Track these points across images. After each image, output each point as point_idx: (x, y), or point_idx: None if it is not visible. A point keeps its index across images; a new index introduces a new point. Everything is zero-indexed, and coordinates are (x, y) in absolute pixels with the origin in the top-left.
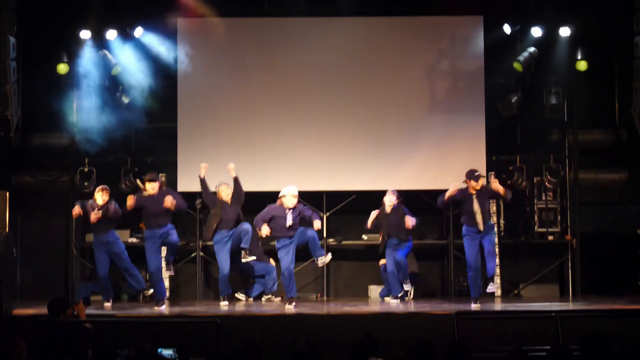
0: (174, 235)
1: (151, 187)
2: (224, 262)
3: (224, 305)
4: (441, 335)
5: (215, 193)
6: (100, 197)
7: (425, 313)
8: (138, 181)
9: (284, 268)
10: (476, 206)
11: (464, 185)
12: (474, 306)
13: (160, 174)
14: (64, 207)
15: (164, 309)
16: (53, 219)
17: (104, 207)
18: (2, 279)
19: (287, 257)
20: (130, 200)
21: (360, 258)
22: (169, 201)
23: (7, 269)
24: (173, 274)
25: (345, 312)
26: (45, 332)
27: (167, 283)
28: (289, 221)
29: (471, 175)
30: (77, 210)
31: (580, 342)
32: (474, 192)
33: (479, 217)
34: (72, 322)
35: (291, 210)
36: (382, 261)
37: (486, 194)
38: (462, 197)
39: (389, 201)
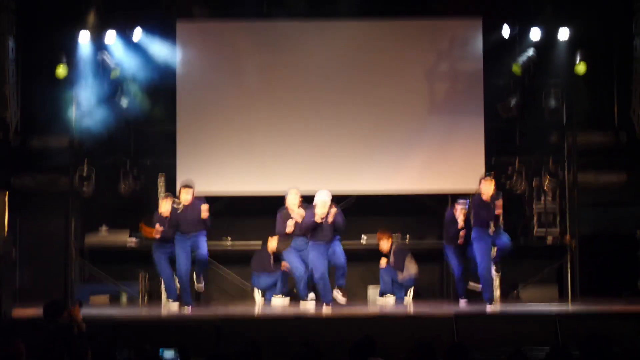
0: (203, 249)
1: (185, 194)
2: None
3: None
4: (440, 337)
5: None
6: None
7: (425, 315)
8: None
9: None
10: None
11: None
12: (489, 308)
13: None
14: (63, 209)
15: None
16: (52, 221)
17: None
18: (2, 280)
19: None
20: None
21: (359, 260)
22: (205, 210)
23: (7, 270)
24: (202, 289)
25: (344, 314)
26: (44, 334)
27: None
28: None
29: (482, 177)
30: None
31: (580, 344)
32: (488, 199)
33: (491, 223)
34: (70, 324)
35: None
36: (382, 262)
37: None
38: (478, 204)
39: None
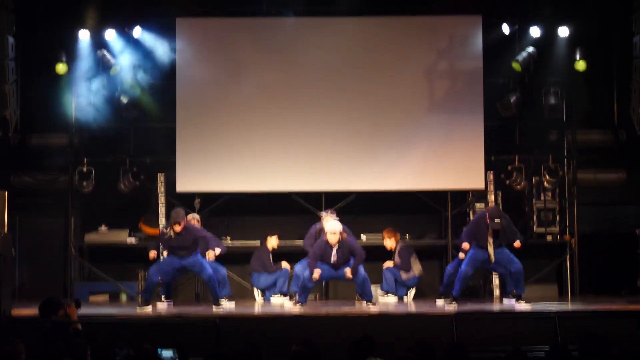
0: (206, 270)
1: (177, 227)
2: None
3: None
4: (440, 335)
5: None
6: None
7: (424, 314)
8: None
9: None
10: (490, 239)
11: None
12: (448, 305)
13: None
14: (62, 207)
15: (149, 309)
16: (52, 219)
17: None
18: (1, 279)
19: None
20: (152, 254)
21: None
22: (211, 256)
23: (6, 269)
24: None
25: (344, 313)
26: (43, 333)
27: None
28: (333, 258)
29: (491, 221)
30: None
31: (579, 342)
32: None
33: (490, 250)
34: (69, 323)
35: (336, 248)
36: (386, 264)
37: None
38: (480, 225)
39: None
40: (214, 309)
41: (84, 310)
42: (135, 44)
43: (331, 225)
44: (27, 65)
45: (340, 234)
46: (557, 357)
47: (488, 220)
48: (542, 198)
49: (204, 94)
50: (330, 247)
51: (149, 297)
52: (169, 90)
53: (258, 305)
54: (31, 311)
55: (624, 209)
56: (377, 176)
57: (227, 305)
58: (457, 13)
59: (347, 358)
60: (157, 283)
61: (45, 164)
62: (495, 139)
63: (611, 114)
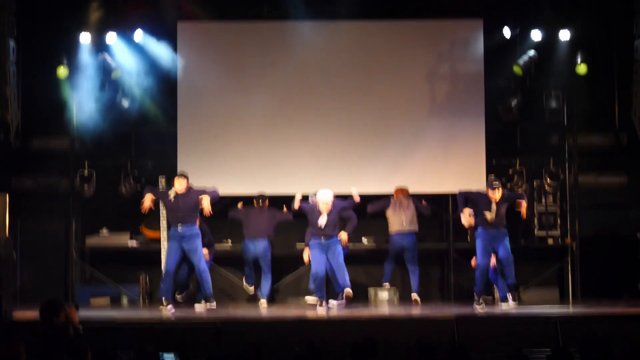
0: (201, 262)
1: (179, 184)
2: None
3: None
4: (441, 338)
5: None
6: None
7: (426, 316)
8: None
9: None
10: (494, 206)
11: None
12: (477, 305)
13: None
14: (63, 210)
15: (170, 310)
16: (53, 222)
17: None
18: (2, 282)
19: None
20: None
21: (360, 261)
22: (205, 201)
23: (7, 272)
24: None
25: (345, 316)
26: (44, 335)
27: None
28: (321, 221)
29: (489, 184)
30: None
31: (580, 346)
32: (493, 199)
33: (489, 216)
34: (67, 325)
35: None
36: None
37: (505, 201)
38: (482, 200)
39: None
40: (196, 306)
41: (86, 313)
42: (137, 48)
43: (323, 195)
44: (28, 68)
45: (332, 204)
46: None
47: (487, 191)
48: (543, 201)
49: (205, 97)
50: (320, 213)
51: (167, 296)
52: (170, 93)
53: (260, 308)
54: (32, 314)
55: (625, 212)
56: (378, 179)
57: (209, 306)
58: (459, 16)
59: None
60: (171, 276)
61: (46, 167)
62: (496, 142)
63: (612, 117)
